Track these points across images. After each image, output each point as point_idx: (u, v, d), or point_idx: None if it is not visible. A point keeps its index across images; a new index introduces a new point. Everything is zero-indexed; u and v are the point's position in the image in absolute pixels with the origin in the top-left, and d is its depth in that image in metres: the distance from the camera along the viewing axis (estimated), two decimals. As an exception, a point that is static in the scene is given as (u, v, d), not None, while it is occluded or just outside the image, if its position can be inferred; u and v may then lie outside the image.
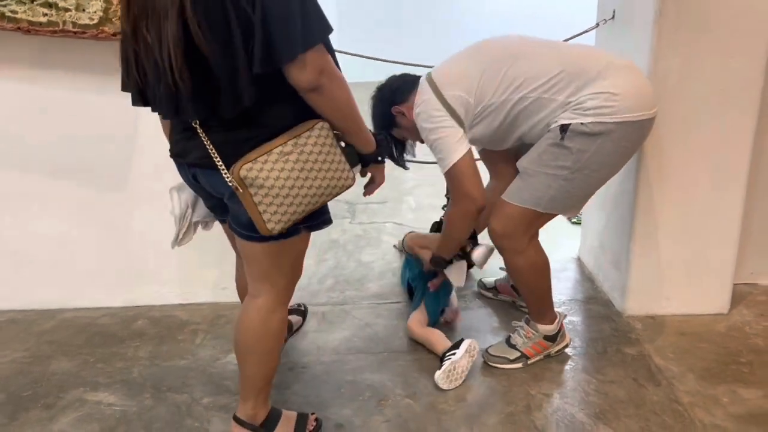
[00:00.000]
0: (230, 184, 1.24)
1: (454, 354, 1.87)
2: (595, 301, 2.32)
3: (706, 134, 1.99)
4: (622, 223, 2.17)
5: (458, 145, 1.73)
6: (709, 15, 1.86)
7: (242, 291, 1.79)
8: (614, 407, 1.75)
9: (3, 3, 1.88)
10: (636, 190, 2.06)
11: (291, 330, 2.11)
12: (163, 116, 1.37)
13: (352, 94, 1.30)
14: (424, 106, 1.76)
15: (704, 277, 2.15)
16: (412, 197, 3.33)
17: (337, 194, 1.36)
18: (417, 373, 1.92)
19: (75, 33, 1.90)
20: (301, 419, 1.64)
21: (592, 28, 2.32)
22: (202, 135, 1.27)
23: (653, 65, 1.92)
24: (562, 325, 1.96)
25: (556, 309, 1.96)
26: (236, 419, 1.54)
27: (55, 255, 2.31)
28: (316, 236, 2.76)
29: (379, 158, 1.47)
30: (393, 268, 2.61)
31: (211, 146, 1.27)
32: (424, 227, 2.87)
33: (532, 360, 1.94)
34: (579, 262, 2.65)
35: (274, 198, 1.26)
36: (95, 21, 1.89)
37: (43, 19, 1.89)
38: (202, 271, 2.33)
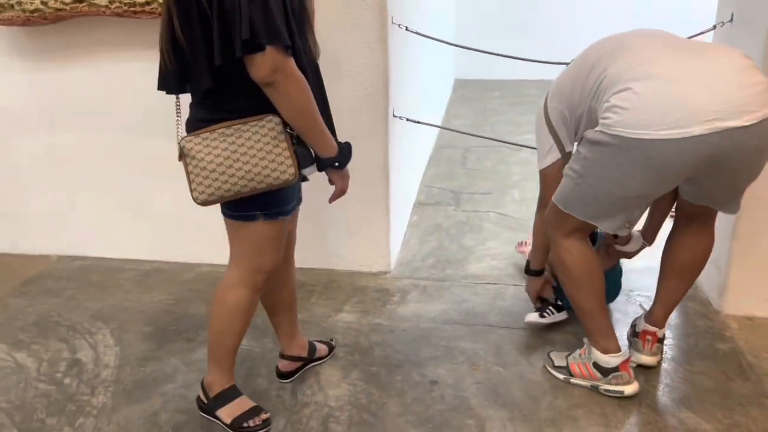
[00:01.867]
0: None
1: (551, 314, 2.07)
2: (692, 299, 2.35)
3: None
4: (724, 221, 2.19)
5: (547, 155, 1.82)
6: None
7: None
8: (699, 395, 1.82)
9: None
10: (741, 191, 2.08)
11: (312, 353, 1.97)
12: (160, 88, 1.58)
13: (310, 96, 1.42)
14: (538, 112, 1.86)
15: (809, 282, 2.14)
16: (517, 190, 3.44)
17: (272, 186, 1.47)
18: (509, 346, 2.07)
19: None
20: (253, 411, 1.70)
21: (708, 30, 2.35)
22: (176, 111, 1.56)
23: (766, 71, 1.94)
24: (625, 367, 1.78)
25: (624, 347, 1.85)
26: (201, 382, 1.76)
27: (195, 217, 2.65)
28: (421, 219, 2.97)
29: (336, 164, 1.55)
30: (492, 253, 2.76)
31: (177, 120, 1.55)
32: (526, 218, 2.99)
33: (575, 380, 1.85)
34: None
35: (201, 170, 1.46)
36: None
37: None
38: (320, 240, 2.59)
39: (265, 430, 1.69)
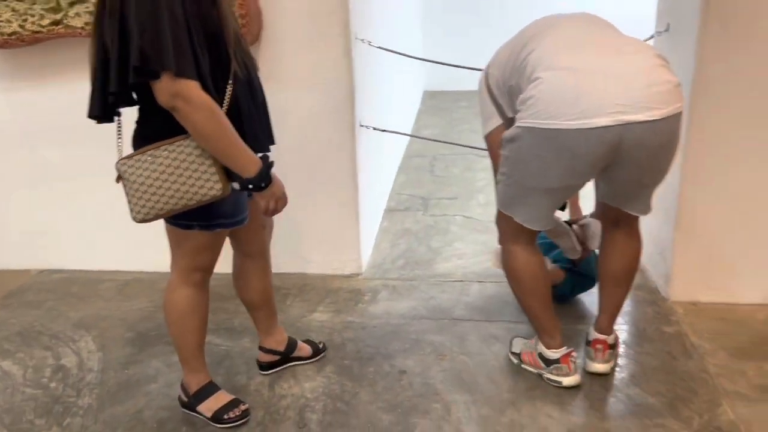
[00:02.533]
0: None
1: None
2: (642, 288, 2.52)
3: (746, 136, 2.17)
4: (668, 214, 2.37)
5: (489, 120, 1.88)
6: (749, 29, 2.06)
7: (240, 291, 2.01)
8: (646, 373, 1.98)
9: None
10: (681, 184, 2.27)
11: (291, 350, 2.07)
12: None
13: (215, 119, 1.43)
14: (480, 79, 1.91)
15: (746, 269, 2.32)
16: (482, 194, 3.60)
17: (202, 202, 1.53)
18: (473, 337, 2.21)
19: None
20: (231, 403, 1.82)
21: (647, 39, 2.54)
22: (117, 132, 1.63)
23: (697, 75, 2.13)
24: (565, 360, 1.90)
25: (566, 342, 1.95)
26: (181, 383, 1.88)
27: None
28: (391, 224, 3.10)
29: (250, 186, 1.53)
30: (458, 254, 2.90)
31: (118, 140, 1.62)
32: (491, 220, 3.15)
33: (525, 366, 2.00)
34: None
35: (135, 191, 1.54)
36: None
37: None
38: (293, 246, 2.71)
39: (244, 420, 1.81)
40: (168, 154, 1.51)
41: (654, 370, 1.99)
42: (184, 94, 1.41)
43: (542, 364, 1.94)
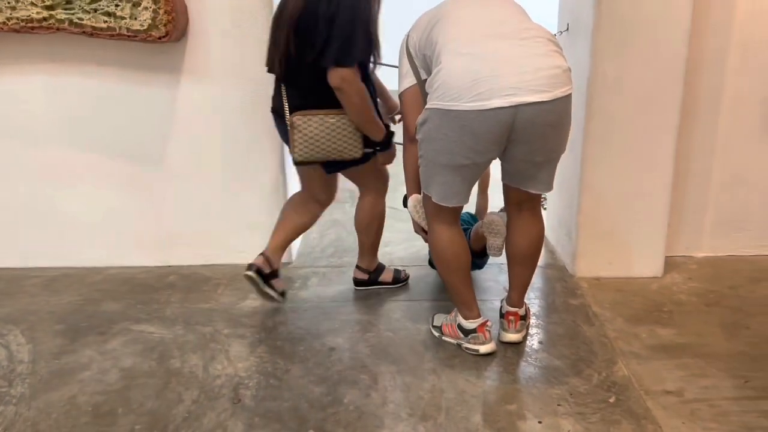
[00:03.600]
0: (288, 123, 2.13)
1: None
2: (552, 267, 2.75)
3: (636, 126, 2.42)
4: (571, 198, 2.61)
5: (404, 79, 2.02)
6: (635, 29, 2.31)
7: (287, 207, 2.52)
8: (553, 339, 2.18)
9: (71, 12, 2.37)
10: (581, 170, 2.50)
11: (378, 273, 2.61)
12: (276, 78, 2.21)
13: (365, 100, 2.06)
14: (402, 39, 2.06)
15: (640, 246, 2.58)
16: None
17: (345, 159, 2.19)
18: (398, 315, 2.36)
19: (128, 36, 2.38)
20: (399, 270, 2.61)
21: (550, 38, 2.77)
22: (284, 95, 2.16)
23: (593, 69, 2.36)
24: (482, 330, 2.07)
25: (482, 314, 2.10)
26: (358, 267, 2.56)
27: (102, 221, 2.77)
28: (322, 216, 3.22)
29: (377, 148, 2.24)
30: (385, 242, 3.03)
31: (285, 101, 2.15)
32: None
33: (445, 338, 2.16)
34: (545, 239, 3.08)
35: (301, 139, 2.13)
36: (145, 27, 2.36)
37: (104, 25, 2.37)
38: (223, 237, 2.78)
39: (407, 280, 2.61)
40: (335, 121, 2.12)
41: (560, 336, 2.20)
42: (349, 79, 2.01)
43: (461, 335, 2.11)
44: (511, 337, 2.15)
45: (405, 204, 2.36)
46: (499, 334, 2.17)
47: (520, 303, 2.17)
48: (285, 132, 2.20)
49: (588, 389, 1.91)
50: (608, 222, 2.56)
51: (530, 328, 2.24)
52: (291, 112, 2.13)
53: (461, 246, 2.08)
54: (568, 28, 2.62)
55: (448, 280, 2.12)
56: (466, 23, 1.86)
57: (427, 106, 1.84)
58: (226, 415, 1.83)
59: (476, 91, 1.72)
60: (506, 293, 2.23)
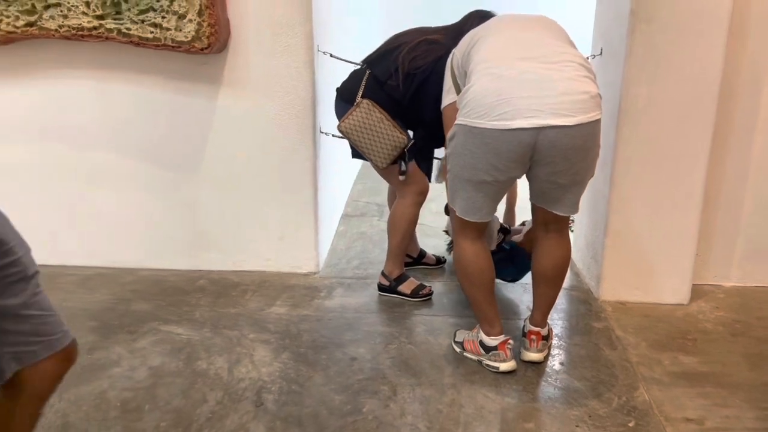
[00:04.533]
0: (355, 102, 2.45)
1: None
2: (577, 288, 2.74)
3: (667, 150, 2.42)
4: (599, 221, 2.61)
5: (447, 95, 2.09)
6: (668, 54, 2.32)
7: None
8: (574, 361, 2.18)
9: (120, 22, 2.47)
10: (610, 193, 2.50)
11: (421, 257, 2.96)
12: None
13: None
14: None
15: (667, 272, 2.56)
16: (434, 203, 3.80)
17: (371, 158, 2.49)
18: (420, 329, 2.39)
19: (173, 47, 2.47)
20: (421, 285, 2.62)
21: (583, 62, 2.79)
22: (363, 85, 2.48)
23: (624, 93, 2.38)
24: (503, 347, 2.08)
25: (505, 333, 2.13)
26: (382, 272, 2.66)
27: (138, 224, 2.86)
28: (348, 229, 3.28)
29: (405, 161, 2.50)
30: (411, 256, 3.08)
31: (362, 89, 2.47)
32: (442, 227, 3.35)
33: (466, 354, 2.17)
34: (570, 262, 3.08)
35: (357, 117, 2.43)
36: (188, 38, 2.45)
37: (150, 35, 2.47)
38: (253, 245, 2.85)
39: (430, 295, 2.61)
40: (383, 126, 2.42)
41: (581, 358, 2.20)
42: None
43: (482, 351, 2.12)
44: (532, 356, 2.16)
45: (447, 212, 2.50)
46: (520, 352, 2.18)
47: (543, 323, 2.18)
48: (340, 113, 2.49)
49: (607, 412, 1.91)
50: (636, 246, 2.55)
51: (552, 349, 2.25)
52: (363, 98, 2.42)
53: (486, 261, 2.10)
54: (601, 53, 2.64)
55: (471, 295, 2.15)
56: (500, 44, 1.91)
57: (455, 122, 1.90)
58: (248, 418, 1.87)
59: (500, 110, 1.77)
60: (530, 313, 2.23)
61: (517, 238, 2.66)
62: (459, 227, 2.08)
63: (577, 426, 1.84)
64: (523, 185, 2.23)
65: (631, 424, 1.85)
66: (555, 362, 2.18)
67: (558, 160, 1.84)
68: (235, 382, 2.05)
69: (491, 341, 2.10)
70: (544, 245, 2.12)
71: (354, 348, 2.25)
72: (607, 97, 2.53)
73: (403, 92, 2.39)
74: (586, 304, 2.60)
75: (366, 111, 2.39)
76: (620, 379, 2.08)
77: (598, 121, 1.84)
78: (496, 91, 1.79)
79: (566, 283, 2.81)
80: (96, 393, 1.99)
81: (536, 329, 2.16)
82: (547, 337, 2.19)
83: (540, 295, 2.17)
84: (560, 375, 2.11)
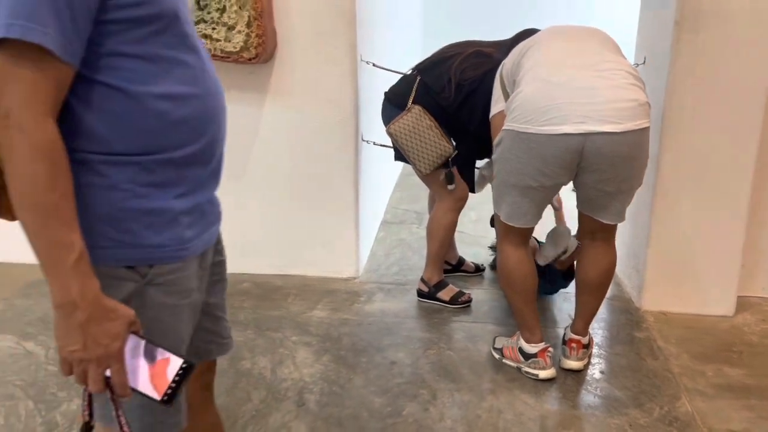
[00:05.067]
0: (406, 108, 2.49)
1: None
2: (618, 299, 2.72)
3: (712, 160, 2.40)
4: (641, 230, 2.59)
5: (495, 104, 2.11)
6: (714, 62, 2.30)
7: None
8: (615, 370, 2.17)
9: (173, 34, 2.57)
10: (653, 203, 2.48)
11: (459, 264, 2.98)
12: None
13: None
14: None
15: (712, 284, 2.53)
16: (474, 211, 3.81)
17: (415, 163, 2.52)
18: (459, 335, 2.41)
19: (222, 57, 2.56)
20: (460, 292, 2.63)
21: (626, 71, 2.78)
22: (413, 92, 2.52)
23: (668, 102, 2.36)
24: (542, 355, 2.10)
25: (544, 341, 2.13)
26: (421, 277, 2.68)
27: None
28: (387, 235, 3.32)
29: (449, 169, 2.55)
30: (450, 263, 3.11)
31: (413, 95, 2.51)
32: (481, 235, 3.36)
33: (505, 360, 2.18)
34: (612, 270, 3.05)
35: (406, 122, 2.47)
36: (237, 49, 2.54)
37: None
38: (296, 250, 2.92)
39: (469, 303, 2.62)
40: (432, 132, 2.46)
41: (623, 368, 2.18)
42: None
43: (521, 358, 2.13)
44: (572, 364, 2.15)
45: (492, 224, 2.51)
46: (560, 360, 2.18)
47: (584, 332, 2.18)
48: (389, 117, 2.51)
49: (648, 422, 1.90)
50: (679, 257, 2.52)
51: (592, 358, 2.24)
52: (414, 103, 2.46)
53: (528, 268, 2.11)
54: (644, 62, 2.63)
55: (512, 301, 2.16)
56: (550, 53, 1.93)
57: (503, 127, 1.92)
58: (291, 417, 1.93)
59: (548, 116, 1.79)
60: (571, 321, 2.23)
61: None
62: (503, 233, 2.10)
63: (617, 435, 1.84)
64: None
65: (673, 435, 1.84)
66: (595, 371, 2.17)
67: (604, 168, 1.85)
68: (278, 382, 2.11)
69: (531, 348, 2.11)
70: (590, 254, 2.12)
71: (393, 352, 2.29)
72: (650, 105, 2.52)
73: (451, 101, 2.41)
74: (627, 314, 2.58)
75: (416, 117, 2.42)
76: (662, 389, 2.06)
77: (645, 130, 1.84)
78: (544, 96, 1.81)
79: (608, 292, 2.79)
80: (146, 389, 2.07)
81: (577, 337, 2.16)
82: (587, 346, 2.18)
83: (583, 303, 2.17)
84: (601, 384, 2.10)
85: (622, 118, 1.77)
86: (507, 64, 2.09)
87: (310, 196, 2.84)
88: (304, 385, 2.09)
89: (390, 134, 2.51)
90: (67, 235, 0.86)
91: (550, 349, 2.13)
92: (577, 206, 2.08)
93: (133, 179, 0.92)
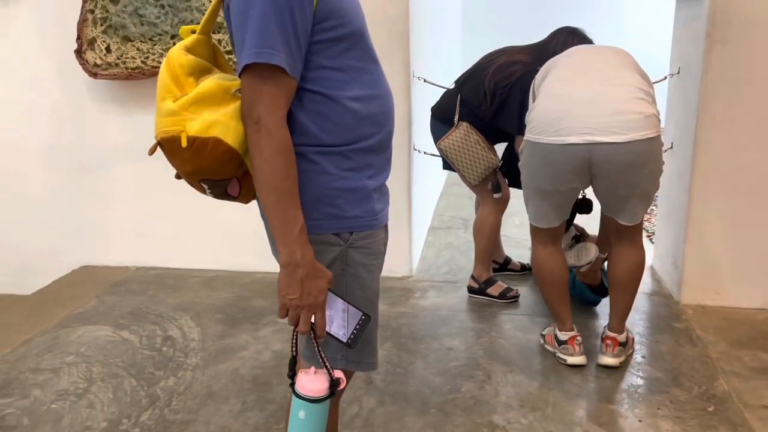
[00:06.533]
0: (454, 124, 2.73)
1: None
2: (658, 294, 2.89)
3: (745, 163, 2.57)
4: (679, 229, 2.76)
5: (529, 113, 2.21)
6: (744, 72, 2.48)
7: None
8: (655, 355, 2.35)
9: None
10: (689, 203, 2.66)
11: (506, 263, 3.18)
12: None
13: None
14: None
15: (747, 278, 2.68)
16: (517, 217, 4.02)
17: (464, 175, 2.72)
18: (509, 326, 2.62)
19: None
20: (508, 288, 2.83)
21: (661, 80, 2.96)
22: (457, 109, 2.73)
23: (701, 108, 2.55)
24: (572, 342, 2.26)
25: (575, 329, 2.30)
26: (471, 275, 2.88)
27: (252, 232, 3.23)
28: (435, 240, 3.52)
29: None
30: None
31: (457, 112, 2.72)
32: (525, 239, 3.56)
33: (547, 346, 2.38)
34: (651, 269, 3.21)
35: (455, 138, 2.69)
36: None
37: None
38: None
39: (517, 298, 2.82)
40: (479, 147, 2.69)
41: (663, 353, 2.36)
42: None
43: (556, 344, 2.33)
44: (608, 360, 2.25)
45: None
46: (597, 357, 2.30)
47: (619, 329, 2.27)
48: (438, 133, 2.74)
49: (688, 399, 2.07)
50: (715, 253, 2.69)
51: (634, 345, 2.42)
52: (461, 120, 2.67)
53: (557, 263, 2.30)
54: (679, 71, 2.82)
55: (544, 294, 2.38)
56: (566, 68, 2.14)
57: (524, 137, 2.15)
58: (361, 393, 2.16)
59: (557, 127, 2.00)
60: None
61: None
62: (533, 233, 2.34)
63: (658, 408, 2.02)
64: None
65: (710, 409, 2.01)
66: (638, 356, 2.35)
67: (613, 175, 2.03)
68: (347, 364, 2.35)
69: (562, 335, 2.30)
70: (618, 252, 2.26)
71: (449, 340, 2.51)
72: (685, 112, 2.72)
73: (488, 112, 2.62)
74: (666, 308, 2.75)
75: (464, 133, 2.64)
76: (700, 371, 2.24)
77: (653, 139, 1.99)
78: (554, 109, 2.02)
79: (647, 288, 2.97)
80: (231, 370, 2.34)
81: (612, 335, 2.26)
82: (624, 344, 2.27)
83: (615, 300, 2.28)
84: (642, 366, 2.28)
85: (627, 129, 1.94)
86: (537, 78, 2.26)
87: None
88: (370, 367, 2.32)
89: (440, 149, 2.74)
90: (294, 212, 1.12)
91: (579, 337, 2.28)
92: (601, 210, 2.29)
93: (338, 165, 1.19)
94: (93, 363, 2.40)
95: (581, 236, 2.74)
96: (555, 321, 2.36)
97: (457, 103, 2.70)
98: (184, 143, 1.13)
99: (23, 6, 3.15)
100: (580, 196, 2.60)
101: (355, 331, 1.16)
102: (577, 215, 2.54)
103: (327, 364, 1.17)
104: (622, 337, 2.28)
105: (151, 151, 1.21)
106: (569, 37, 2.45)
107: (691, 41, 2.67)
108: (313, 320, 1.16)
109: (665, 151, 2.99)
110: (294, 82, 1.11)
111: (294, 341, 1.21)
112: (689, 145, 2.63)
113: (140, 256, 3.39)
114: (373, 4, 2.85)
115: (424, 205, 3.77)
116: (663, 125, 3.25)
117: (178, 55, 1.18)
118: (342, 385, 1.18)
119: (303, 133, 1.17)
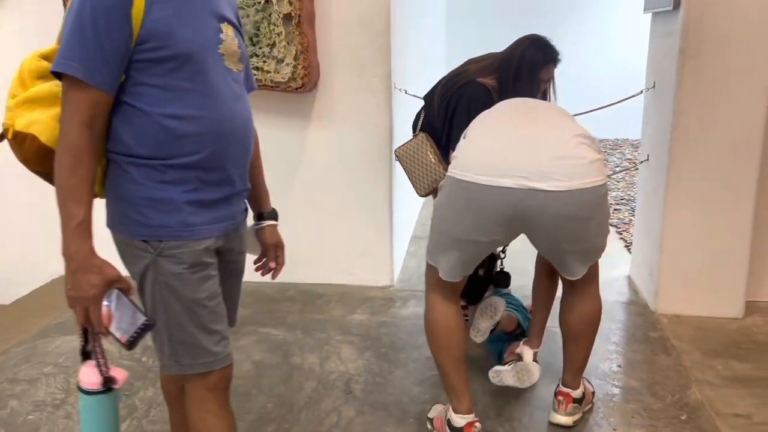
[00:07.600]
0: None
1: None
2: (635, 303, 2.94)
3: (718, 174, 2.63)
4: (655, 240, 2.82)
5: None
6: (717, 87, 2.55)
7: None
8: (631, 364, 2.39)
9: (228, 67, 2.89)
10: (665, 214, 2.71)
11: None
12: None
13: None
14: None
15: (721, 288, 2.74)
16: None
17: (414, 184, 2.47)
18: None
19: (271, 87, 2.87)
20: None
21: (637, 94, 3.03)
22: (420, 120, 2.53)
23: (675, 122, 2.61)
24: (469, 429, 1.86)
25: (473, 412, 1.90)
26: None
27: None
28: (418, 249, 3.50)
29: None
30: (477, 273, 3.35)
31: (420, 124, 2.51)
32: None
33: None
34: (628, 279, 3.26)
35: (410, 146, 2.46)
36: (285, 79, 2.85)
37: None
38: (336, 261, 3.19)
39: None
40: (424, 153, 2.44)
41: (638, 363, 2.40)
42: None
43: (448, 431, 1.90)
44: (559, 418, 1.99)
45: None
46: (549, 413, 2.05)
47: (574, 384, 2.00)
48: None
49: (661, 407, 2.11)
50: (690, 264, 2.74)
51: (609, 354, 2.45)
52: (422, 130, 2.46)
53: (455, 324, 1.89)
54: (654, 86, 2.88)
55: (437, 361, 1.92)
56: (502, 112, 1.85)
57: (447, 173, 1.78)
58: (340, 402, 2.18)
59: (488, 165, 1.66)
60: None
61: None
62: (430, 284, 1.92)
63: (633, 417, 2.06)
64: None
65: (683, 417, 2.05)
66: (612, 365, 2.39)
67: (551, 228, 1.68)
68: (327, 374, 2.36)
69: (459, 420, 1.87)
70: (570, 302, 1.95)
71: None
72: (660, 125, 2.78)
73: (442, 122, 2.38)
74: (642, 317, 2.80)
75: (419, 143, 2.44)
76: (674, 380, 2.28)
77: (597, 188, 1.66)
78: (489, 147, 1.70)
79: (624, 297, 3.02)
80: (211, 380, 2.34)
81: (566, 390, 1.99)
82: (580, 401, 2.01)
83: (569, 353, 1.99)
84: (617, 376, 2.32)
85: (567, 176, 1.61)
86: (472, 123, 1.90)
87: (348, 211, 3.12)
88: (350, 377, 2.34)
89: (396, 156, 2.59)
90: (75, 208, 1.19)
91: (478, 424, 1.89)
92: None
93: (149, 176, 1.26)
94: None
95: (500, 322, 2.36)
96: (450, 399, 1.91)
97: (422, 114, 2.62)
98: (9, 136, 1.26)
99: (4, 10, 3.15)
100: (498, 268, 2.46)
101: (135, 334, 1.21)
102: (491, 287, 2.44)
103: (100, 359, 1.26)
104: (577, 393, 2.00)
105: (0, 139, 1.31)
106: (532, 46, 2.28)
107: (666, 56, 2.73)
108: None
109: (641, 162, 3.06)
110: (100, 92, 1.20)
111: (81, 333, 1.29)
112: (664, 157, 2.68)
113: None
114: (355, 17, 2.89)
115: (406, 215, 3.80)
116: (639, 138, 3.33)
117: (29, 60, 1.30)
118: (117, 384, 1.27)
119: (117, 142, 1.26)
